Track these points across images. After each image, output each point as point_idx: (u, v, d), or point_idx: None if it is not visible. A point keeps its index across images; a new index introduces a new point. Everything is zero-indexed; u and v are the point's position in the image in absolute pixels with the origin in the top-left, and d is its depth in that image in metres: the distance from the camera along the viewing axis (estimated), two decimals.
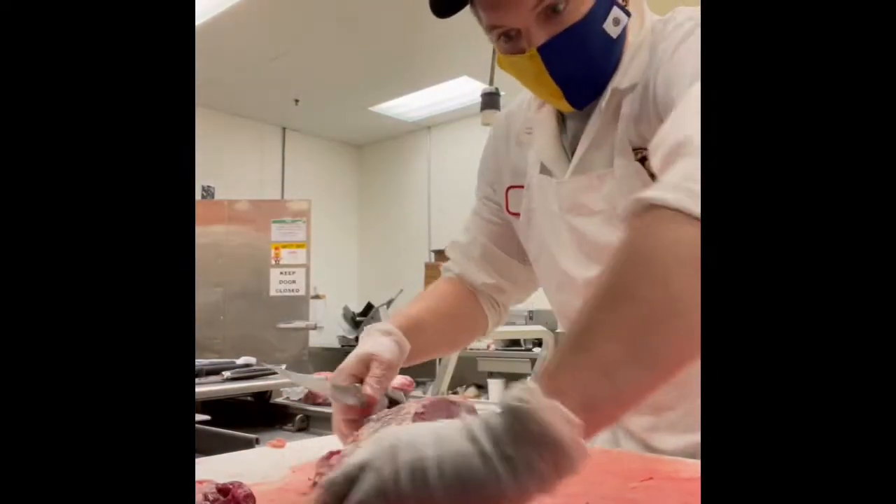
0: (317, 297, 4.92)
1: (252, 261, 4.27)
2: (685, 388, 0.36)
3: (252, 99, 4.95)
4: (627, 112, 0.76)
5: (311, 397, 2.10)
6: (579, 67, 0.75)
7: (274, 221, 4.31)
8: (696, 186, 0.44)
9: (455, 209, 4.89)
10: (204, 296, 4.02)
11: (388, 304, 5.05)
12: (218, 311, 4.16)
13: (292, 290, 4.28)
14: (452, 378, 1.84)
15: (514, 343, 4.11)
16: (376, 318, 4.80)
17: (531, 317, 3.94)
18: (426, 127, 5.62)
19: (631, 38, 0.77)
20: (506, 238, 0.95)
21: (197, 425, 1.39)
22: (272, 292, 4.27)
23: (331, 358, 4.83)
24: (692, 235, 0.43)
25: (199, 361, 1.88)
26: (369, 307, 5.29)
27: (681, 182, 0.47)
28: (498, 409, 0.41)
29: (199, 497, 0.49)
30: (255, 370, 1.98)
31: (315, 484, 0.62)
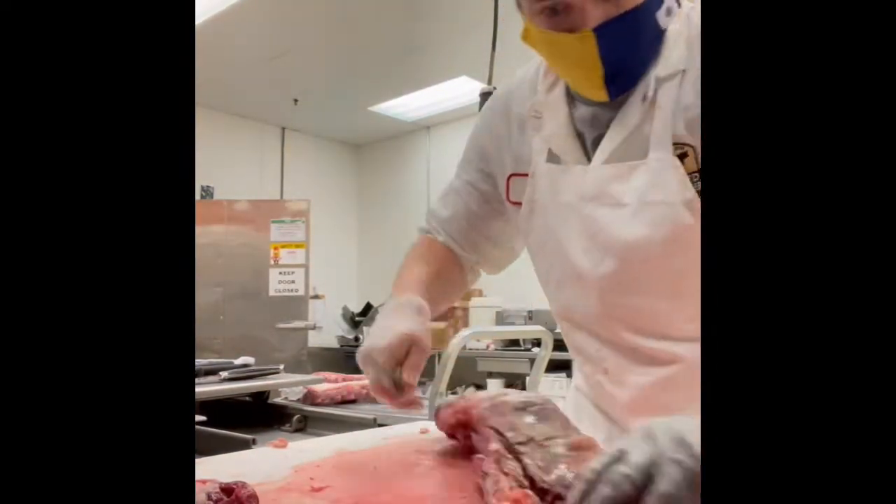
0: (316, 297, 4.92)
1: (251, 261, 4.27)
2: (694, 389, 0.35)
3: (251, 99, 4.94)
4: (671, 102, 0.73)
5: (309, 398, 2.10)
6: (629, 55, 0.72)
7: (273, 221, 4.31)
8: None
9: None
10: (203, 296, 4.02)
11: None
12: (217, 310, 4.16)
13: (291, 290, 4.28)
14: (451, 378, 1.83)
15: (514, 343, 4.12)
16: (375, 319, 4.79)
17: (530, 317, 3.95)
18: (425, 127, 5.61)
19: (670, 26, 0.75)
20: (485, 222, 0.95)
21: None
22: (271, 292, 4.27)
23: (330, 358, 4.83)
24: None
25: (198, 361, 1.86)
26: (368, 307, 5.29)
27: None
28: None
29: (202, 497, 0.49)
30: (252, 370, 1.97)
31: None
